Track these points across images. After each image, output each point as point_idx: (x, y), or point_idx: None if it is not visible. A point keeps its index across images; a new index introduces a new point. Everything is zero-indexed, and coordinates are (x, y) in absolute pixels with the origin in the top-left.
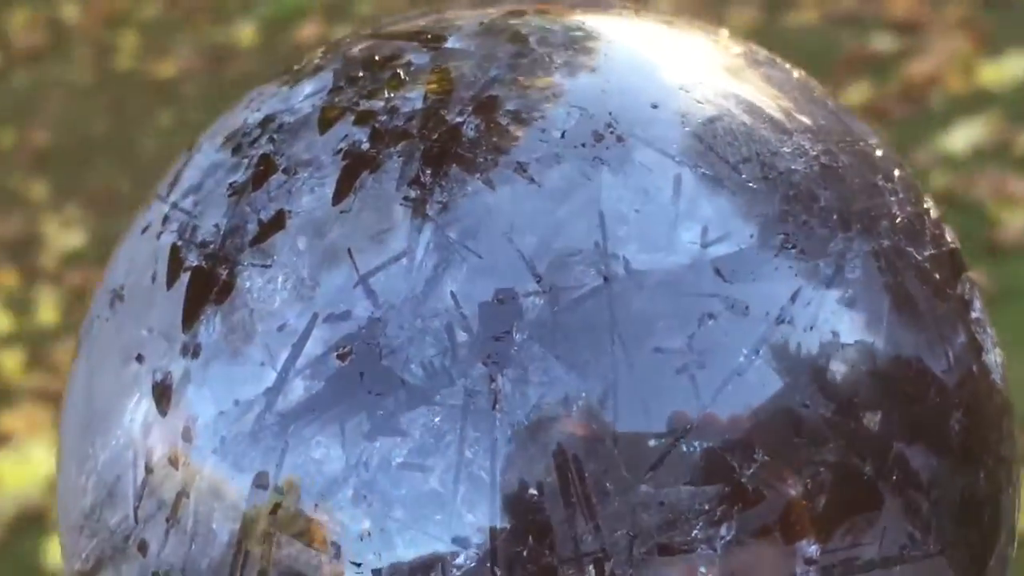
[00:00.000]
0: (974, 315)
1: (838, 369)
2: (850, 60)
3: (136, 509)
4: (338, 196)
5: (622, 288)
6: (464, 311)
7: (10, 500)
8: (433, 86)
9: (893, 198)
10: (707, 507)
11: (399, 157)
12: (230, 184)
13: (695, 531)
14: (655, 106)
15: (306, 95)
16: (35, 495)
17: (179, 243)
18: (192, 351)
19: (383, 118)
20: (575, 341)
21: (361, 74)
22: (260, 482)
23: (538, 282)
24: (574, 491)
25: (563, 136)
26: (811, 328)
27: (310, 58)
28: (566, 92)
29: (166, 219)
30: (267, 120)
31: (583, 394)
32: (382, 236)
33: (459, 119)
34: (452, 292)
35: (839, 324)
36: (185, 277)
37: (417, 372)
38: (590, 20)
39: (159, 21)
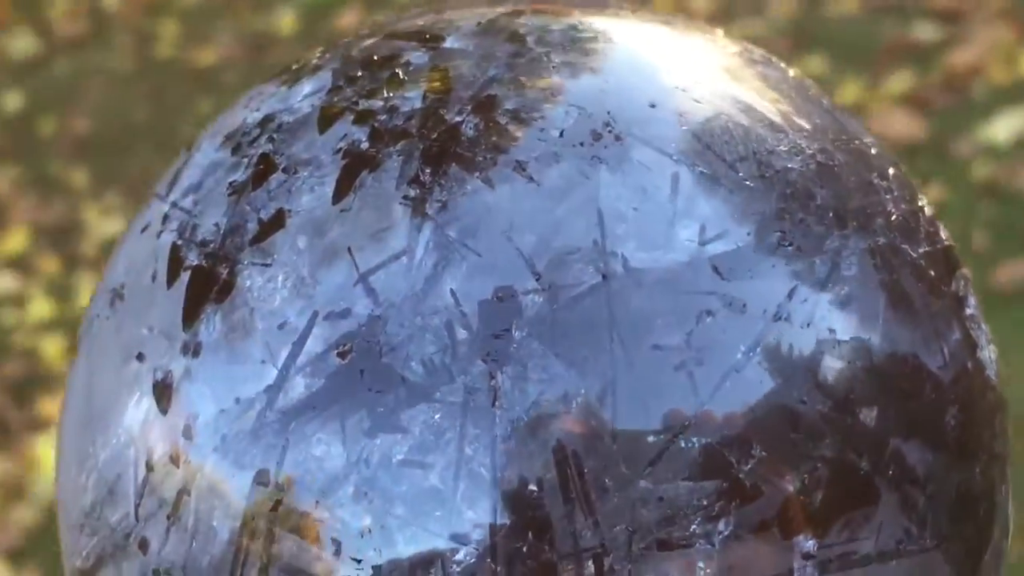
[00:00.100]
0: (968, 312)
1: (835, 365)
2: (892, 49)
3: (137, 507)
4: (338, 195)
5: (621, 286)
6: (464, 309)
7: (51, 484)
8: (432, 85)
9: (888, 196)
10: (705, 502)
11: (399, 156)
12: (230, 183)
13: (693, 526)
14: (653, 105)
15: (305, 95)
16: None
17: (179, 242)
18: (193, 349)
19: (382, 117)
20: (574, 338)
21: (360, 74)
22: (261, 479)
23: (537, 280)
24: (573, 487)
25: (561, 135)
26: (808, 325)
27: (308, 58)
28: (564, 91)
29: (166, 218)
30: (266, 120)
31: (582, 391)
32: (382, 235)
33: (458, 118)
34: (452, 290)
35: (836, 321)
36: (185, 276)
37: (417, 369)
38: (588, 20)
39: (199, 9)
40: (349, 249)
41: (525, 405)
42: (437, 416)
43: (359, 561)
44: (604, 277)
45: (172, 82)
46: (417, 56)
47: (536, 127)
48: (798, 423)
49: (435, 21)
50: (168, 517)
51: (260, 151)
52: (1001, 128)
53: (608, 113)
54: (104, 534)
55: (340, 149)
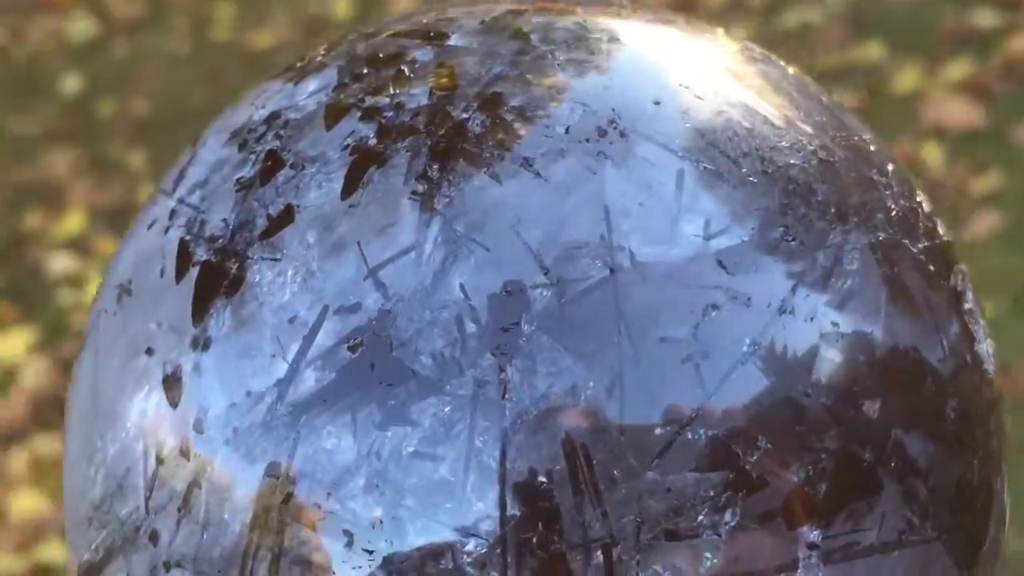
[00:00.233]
0: (967, 306)
1: (838, 358)
2: (950, 36)
3: (147, 500)
4: (346, 191)
5: (627, 280)
6: (473, 303)
7: None
8: (438, 82)
9: (888, 192)
10: (712, 493)
11: (406, 152)
12: (237, 179)
13: (700, 517)
14: (657, 102)
15: (311, 92)
16: None
17: (187, 238)
18: (202, 344)
19: (389, 114)
20: (582, 332)
21: (366, 71)
22: (272, 472)
23: (545, 274)
24: (582, 478)
25: (567, 131)
26: (812, 319)
27: (313, 56)
28: (569, 88)
29: (173, 214)
30: (273, 116)
31: (590, 384)
32: (391, 230)
33: (465, 115)
34: (461, 284)
35: (839, 314)
36: (194, 271)
37: (427, 363)
38: (590, 18)
39: None
40: (358, 244)
41: (534, 398)
42: (447, 409)
43: (370, 552)
44: (611, 271)
45: (228, 65)
46: (422, 53)
47: (542, 124)
48: (803, 415)
49: (438, 19)
50: (179, 510)
51: (267, 148)
52: None
53: (613, 110)
54: (113, 527)
55: (348, 145)
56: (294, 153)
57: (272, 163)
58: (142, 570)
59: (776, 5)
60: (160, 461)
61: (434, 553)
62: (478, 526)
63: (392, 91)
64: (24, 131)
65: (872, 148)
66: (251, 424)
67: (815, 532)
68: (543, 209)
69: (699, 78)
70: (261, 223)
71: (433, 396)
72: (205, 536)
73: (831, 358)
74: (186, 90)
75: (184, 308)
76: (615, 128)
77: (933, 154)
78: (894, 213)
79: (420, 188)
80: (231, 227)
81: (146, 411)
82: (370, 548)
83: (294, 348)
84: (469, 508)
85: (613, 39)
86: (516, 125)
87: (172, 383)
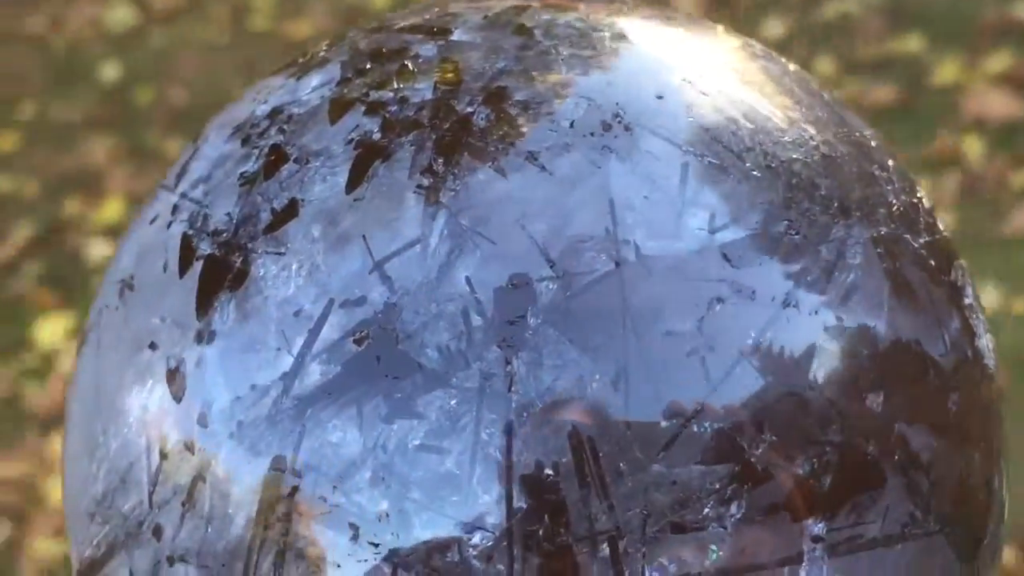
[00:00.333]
0: (967, 301)
1: (842, 352)
2: (991, 28)
3: (151, 494)
4: (351, 184)
5: (633, 273)
6: (479, 296)
7: None
8: (442, 77)
9: (889, 187)
10: (717, 486)
11: (411, 146)
12: (241, 174)
13: (706, 509)
14: (660, 97)
15: (314, 87)
16: None
17: (190, 232)
18: (207, 338)
19: (393, 108)
20: (588, 325)
21: (369, 66)
22: (278, 465)
23: (551, 267)
24: (588, 471)
25: (572, 126)
26: (816, 312)
27: (314, 52)
28: (573, 83)
29: (175, 209)
30: (275, 112)
31: (596, 376)
32: (396, 223)
33: (469, 109)
34: (467, 277)
35: (842, 308)
36: (198, 265)
37: (433, 356)
38: (592, 14)
39: None
40: (364, 237)
41: (540, 390)
42: (453, 402)
43: (376, 545)
44: (617, 265)
45: (266, 54)
46: (425, 49)
47: (547, 118)
48: (807, 408)
49: (441, 15)
50: (183, 504)
51: (271, 142)
52: None
53: (617, 104)
54: (116, 522)
55: (352, 139)
56: (298, 147)
57: (276, 157)
58: (145, 565)
59: None
60: (164, 455)
61: (440, 546)
62: (484, 519)
63: (396, 86)
64: (64, 118)
65: (873, 144)
66: (256, 417)
67: (820, 525)
68: (548, 203)
69: (701, 74)
70: (265, 217)
71: (439, 389)
72: (209, 530)
73: (835, 351)
74: (224, 79)
75: (187, 302)
76: (619, 122)
77: (973, 147)
78: (895, 208)
79: (425, 182)
80: (235, 221)
81: (149, 406)
82: (376, 541)
83: (299, 341)
84: (475, 501)
85: (616, 35)
86: (521, 119)
87: (176, 377)
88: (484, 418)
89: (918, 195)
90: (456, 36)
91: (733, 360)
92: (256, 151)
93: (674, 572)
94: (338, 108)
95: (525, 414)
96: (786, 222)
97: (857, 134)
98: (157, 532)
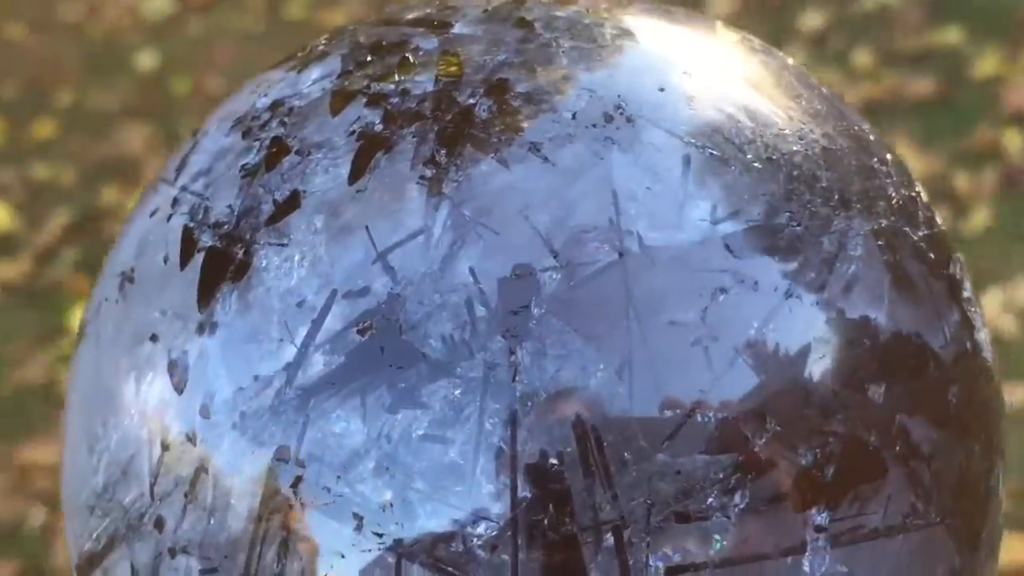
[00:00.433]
0: (965, 294)
1: (844, 343)
2: None
3: (152, 486)
4: (354, 176)
5: (636, 264)
6: (482, 286)
7: None
8: (443, 69)
9: (888, 180)
10: (721, 476)
11: (413, 138)
12: (242, 166)
13: (710, 499)
14: (662, 89)
15: (314, 79)
16: None
17: (191, 224)
18: (209, 329)
19: (395, 100)
20: (592, 315)
21: (370, 59)
22: (281, 456)
23: (555, 258)
24: (593, 461)
25: (574, 117)
26: (818, 303)
27: (314, 45)
28: (575, 75)
29: (176, 202)
30: (276, 104)
31: (600, 366)
32: (399, 214)
33: (471, 100)
34: (470, 268)
35: (844, 300)
36: (199, 257)
37: (437, 346)
38: (592, 7)
39: None
40: (367, 228)
41: (544, 380)
42: (457, 392)
43: (380, 535)
44: (620, 255)
45: (302, 43)
46: (426, 42)
47: (549, 109)
48: (810, 399)
49: (440, 9)
50: (185, 495)
51: (272, 135)
52: None
53: (618, 96)
54: (116, 515)
55: (354, 131)
56: (299, 139)
57: (277, 149)
58: (146, 557)
59: None
60: (165, 447)
61: (444, 536)
62: (488, 509)
63: (397, 78)
64: (101, 107)
65: (871, 138)
66: (259, 408)
67: (823, 515)
68: (551, 194)
69: (702, 66)
70: (267, 209)
71: (443, 379)
72: (212, 521)
73: (837, 342)
74: (259, 68)
75: (189, 294)
76: (621, 114)
77: (1014, 140)
78: (895, 201)
79: (428, 173)
80: (236, 213)
81: (151, 398)
82: (380, 531)
83: (302, 332)
84: (479, 491)
85: (615, 28)
86: (523, 111)
87: (177, 369)
88: (488, 408)
89: (916, 189)
90: (456, 29)
91: (736, 350)
92: (257, 143)
93: (678, 562)
94: (340, 100)
95: (529, 404)
96: (788, 214)
97: (855, 128)
98: (159, 524)
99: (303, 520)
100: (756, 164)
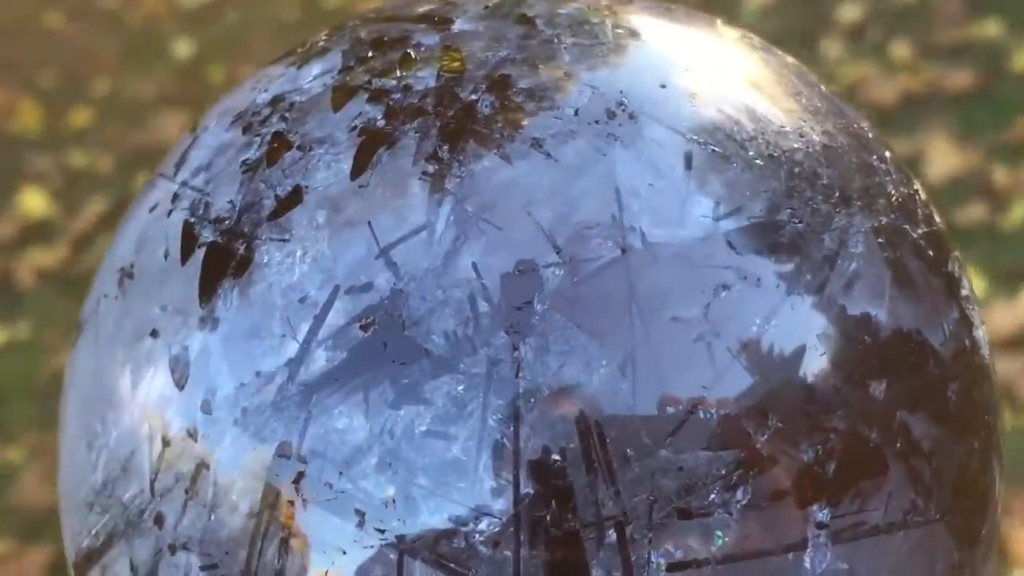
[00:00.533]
0: (964, 292)
1: (845, 339)
2: None
3: (152, 482)
4: (355, 171)
5: (639, 260)
6: (485, 282)
7: None
8: (445, 64)
9: (888, 178)
10: (723, 472)
11: (415, 133)
12: (243, 161)
13: (712, 495)
14: (663, 86)
15: (315, 75)
16: None
17: (192, 220)
18: (210, 325)
19: (397, 96)
20: (595, 311)
21: (371, 54)
22: (283, 452)
23: (558, 253)
24: (596, 457)
25: (576, 113)
26: (819, 299)
27: (314, 41)
28: (577, 71)
29: (176, 197)
30: (277, 100)
31: (604, 362)
32: (401, 210)
33: (473, 96)
34: (473, 263)
35: (845, 296)
36: (200, 253)
37: (440, 342)
38: (593, 4)
39: None
40: (369, 224)
41: (547, 376)
42: (460, 387)
43: (383, 531)
44: (623, 251)
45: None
46: (427, 38)
47: (551, 105)
48: (811, 395)
49: (441, 5)
50: (186, 492)
51: (273, 130)
52: None
53: (620, 93)
54: (116, 511)
55: (355, 127)
56: (300, 135)
57: (279, 145)
58: (146, 554)
59: None
60: (166, 443)
61: (447, 532)
62: (491, 505)
63: (399, 74)
64: (137, 95)
65: (870, 135)
66: (261, 404)
67: (824, 511)
68: (554, 189)
69: (702, 63)
70: (269, 204)
71: (446, 375)
72: (212, 518)
73: (838, 339)
74: None
75: (190, 289)
76: (623, 110)
77: None
78: (894, 199)
79: (430, 168)
80: (237, 208)
81: (151, 393)
82: (382, 527)
83: (304, 328)
84: (482, 487)
85: (616, 25)
86: (525, 107)
87: (178, 364)
88: (491, 404)
89: (915, 186)
90: (457, 26)
91: (739, 346)
92: (258, 139)
93: (680, 558)
94: (341, 96)
95: (532, 400)
96: (789, 210)
97: (855, 125)
98: (159, 520)
99: (305, 516)
100: (758, 161)
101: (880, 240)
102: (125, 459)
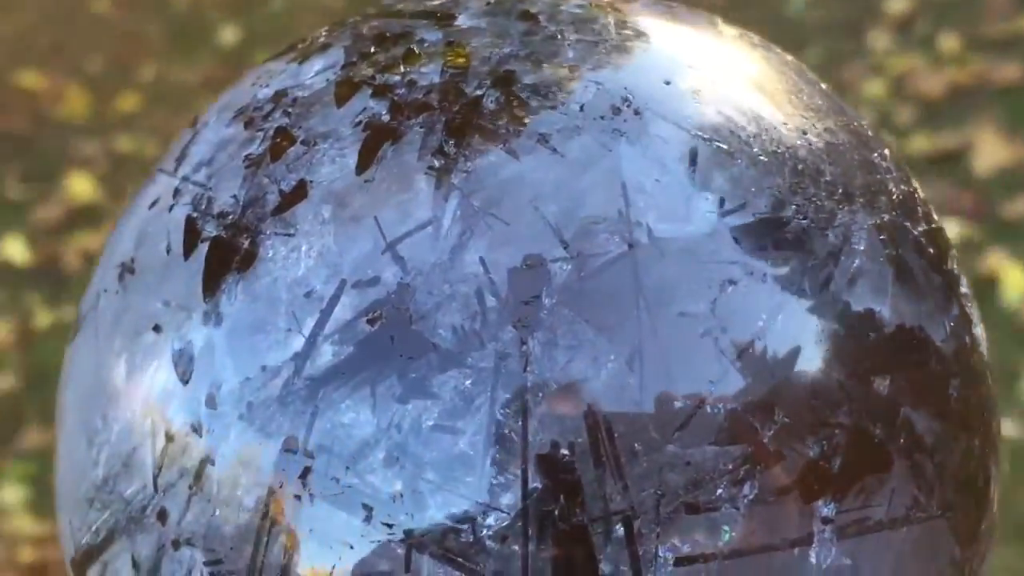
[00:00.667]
0: (963, 290)
1: (849, 335)
2: None
3: (155, 478)
4: (361, 166)
5: (646, 255)
6: (493, 276)
7: None
8: (449, 60)
9: (888, 176)
10: (731, 467)
11: (420, 128)
12: (246, 156)
13: (719, 490)
14: (668, 82)
15: (317, 71)
16: None
17: (194, 215)
18: (214, 319)
19: (401, 91)
20: (602, 306)
21: (373, 50)
22: (289, 446)
23: (565, 248)
24: (604, 451)
25: (582, 109)
26: (824, 295)
27: (313, 38)
28: (581, 67)
29: (177, 192)
30: (279, 95)
31: (611, 356)
32: (407, 205)
33: (479, 92)
34: (481, 258)
35: (849, 292)
36: (203, 247)
37: (447, 336)
38: (595, 1)
39: None
40: (375, 218)
41: (555, 370)
42: (468, 382)
43: (390, 526)
44: (630, 246)
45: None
46: (430, 34)
47: (556, 101)
48: (817, 390)
49: (443, 1)
50: (190, 487)
51: (276, 125)
52: None
53: (625, 89)
54: (117, 507)
55: (360, 122)
56: (304, 130)
57: (282, 140)
58: (148, 550)
59: None
60: (170, 438)
61: (455, 526)
62: (499, 499)
63: (403, 69)
64: (183, 80)
65: (870, 133)
66: (266, 398)
67: (829, 506)
68: (560, 185)
69: (705, 60)
70: (273, 199)
71: (454, 369)
72: (217, 513)
73: (842, 334)
74: None
75: (193, 284)
76: (629, 106)
77: None
78: (895, 196)
79: (436, 163)
80: (241, 203)
81: (154, 388)
82: (390, 522)
83: (310, 322)
84: (490, 481)
85: (619, 22)
86: (530, 102)
87: (182, 359)
88: (499, 398)
89: (914, 184)
90: (460, 22)
91: (746, 341)
92: (261, 133)
93: (687, 552)
94: (345, 91)
95: (540, 394)
96: (794, 207)
97: (855, 123)
98: (162, 516)
99: (311, 511)
100: (762, 157)
101: (882, 237)
102: (127, 455)
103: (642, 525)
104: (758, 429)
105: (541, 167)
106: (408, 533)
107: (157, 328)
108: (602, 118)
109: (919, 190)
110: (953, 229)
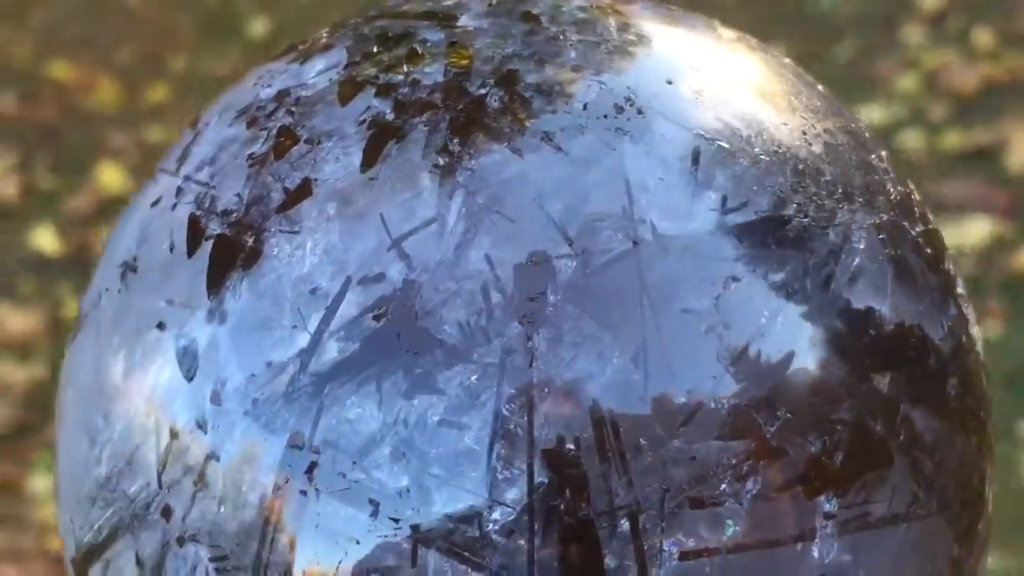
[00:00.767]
0: (959, 290)
1: (850, 333)
2: None
3: (160, 475)
4: (365, 164)
5: (650, 252)
6: (498, 273)
7: None
8: (452, 60)
9: (886, 176)
10: (734, 462)
11: (424, 127)
12: (249, 155)
13: (723, 485)
14: (670, 82)
15: (320, 70)
16: None
17: (198, 213)
18: (219, 317)
19: (405, 90)
20: (607, 302)
21: (376, 50)
22: (295, 442)
23: (570, 245)
24: (609, 446)
25: (585, 108)
26: (825, 293)
27: (315, 38)
28: (583, 67)
29: (179, 191)
30: (282, 94)
31: (616, 352)
32: (412, 202)
33: (482, 91)
34: (486, 255)
35: (850, 291)
36: (207, 245)
37: (453, 332)
38: (595, 2)
39: None
40: (381, 216)
41: (561, 366)
42: (474, 377)
43: (396, 521)
44: (634, 243)
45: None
46: (432, 34)
47: (560, 100)
48: (819, 387)
49: (445, 2)
50: (194, 484)
51: (279, 124)
52: None
53: (628, 88)
54: (120, 505)
55: (364, 120)
56: (308, 129)
57: (286, 138)
58: (152, 547)
59: None
60: (174, 435)
61: (461, 521)
62: (505, 494)
63: (406, 68)
64: (213, 72)
65: (867, 135)
66: (272, 395)
67: (831, 502)
68: (564, 182)
69: (707, 60)
70: (277, 197)
71: (460, 364)
72: (222, 509)
73: (843, 332)
74: None
75: (197, 282)
76: (632, 105)
77: None
78: (893, 197)
79: (441, 161)
80: (245, 201)
81: (158, 386)
82: (396, 517)
83: (316, 319)
84: (496, 476)
85: (620, 23)
86: (534, 101)
87: (186, 356)
88: (505, 393)
89: (910, 186)
90: (462, 22)
91: (748, 338)
92: (264, 132)
93: (691, 547)
94: (348, 90)
95: (546, 389)
96: (795, 205)
97: (853, 124)
98: (166, 513)
99: (318, 507)
100: (763, 157)
101: (881, 236)
102: (130, 452)
103: (647, 520)
104: (761, 425)
105: (545, 165)
106: (414, 528)
107: (161, 326)
108: (605, 117)
109: (915, 191)
110: (985, 227)
